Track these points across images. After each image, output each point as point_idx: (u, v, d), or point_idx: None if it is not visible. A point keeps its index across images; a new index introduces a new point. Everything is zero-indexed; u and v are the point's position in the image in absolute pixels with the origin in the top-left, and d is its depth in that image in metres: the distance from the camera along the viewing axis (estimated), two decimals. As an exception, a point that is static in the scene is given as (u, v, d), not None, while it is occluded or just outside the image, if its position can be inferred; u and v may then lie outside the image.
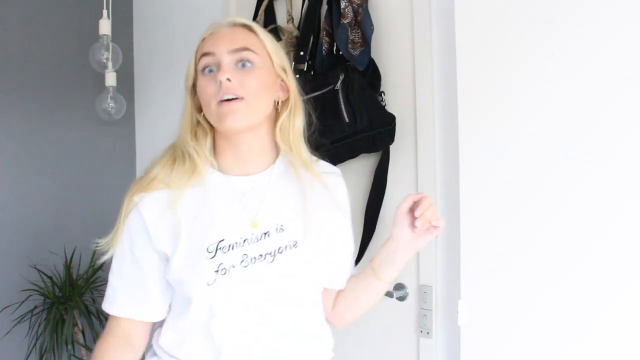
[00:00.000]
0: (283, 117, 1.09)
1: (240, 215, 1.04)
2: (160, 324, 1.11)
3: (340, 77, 1.54)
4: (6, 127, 2.36)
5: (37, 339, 2.25)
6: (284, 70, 1.09)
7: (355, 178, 1.69)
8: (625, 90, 1.12)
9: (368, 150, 1.60)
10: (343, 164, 1.68)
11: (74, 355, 2.27)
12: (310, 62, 1.69)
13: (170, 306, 1.09)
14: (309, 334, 1.12)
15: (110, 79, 2.36)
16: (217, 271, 1.00)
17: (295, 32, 1.77)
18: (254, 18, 1.92)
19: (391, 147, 1.58)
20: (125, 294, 1.07)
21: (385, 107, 1.58)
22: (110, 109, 2.38)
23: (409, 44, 1.55)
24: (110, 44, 2.32)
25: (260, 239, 1.04)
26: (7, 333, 2.27)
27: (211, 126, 1.07)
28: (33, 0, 2.43)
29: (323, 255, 1.09)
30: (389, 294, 1.58)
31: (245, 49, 1.03)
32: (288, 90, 1.10)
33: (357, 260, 1.60)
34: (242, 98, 1.01)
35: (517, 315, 1.28)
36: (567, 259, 1.20)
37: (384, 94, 1.60)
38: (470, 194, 1.37)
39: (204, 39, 1.06)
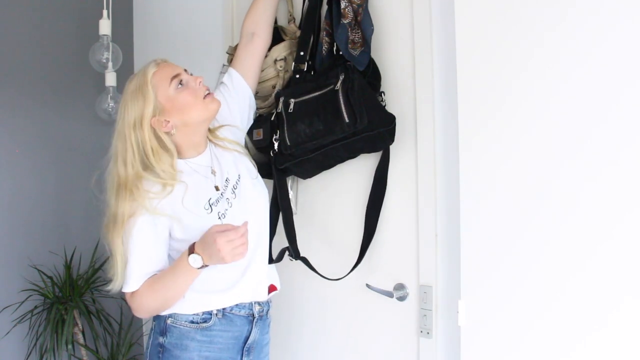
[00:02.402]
0: None
1: (209, 181, 1.52)
2: None
3: (341, 77, 1.54)
4: (6, 127, 2.36)
5: (37, 339, 2.25)
6: None
7: (355, 178, 1.69)
8: (632, 89, 1.12)
9: (368, 150, 1.60)
10: (343, 164, 1.68)
11: (74, 355, 2.27)
12: (310, 62, 1.69)
13: None
14: (267, 236, 1.62)
15: (110, 79, 2.36)
16: (219, 218, 1.47)
17: (298, 33, 1.77)
18: (254, 18, 1.92)
19: (391, 147, 1.58)
20: (148, 266, 1.46)
21: (385, 107, 1.58)
22: (110, 109, 2.38)
23: (409, 44, 1.55)
24: (110, 44, 2.32)
25: (227, 186, 1.54)
26: (7, 333, 2.27)
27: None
28: (33, 0, 2.43)
29: (251, 171, 1.62)
30: (388, 294, 1.58)
31: (185, 69, 1.53)
32: None
33: (358, 261, 1.60)
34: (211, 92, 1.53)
35: (518, 315, 1.28)
36: (568, 259, 1.20)
37: (384, 94, 1.60)
38: (470, 194, 1.37)
39: (154, 73, 1.47)
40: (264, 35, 1.71)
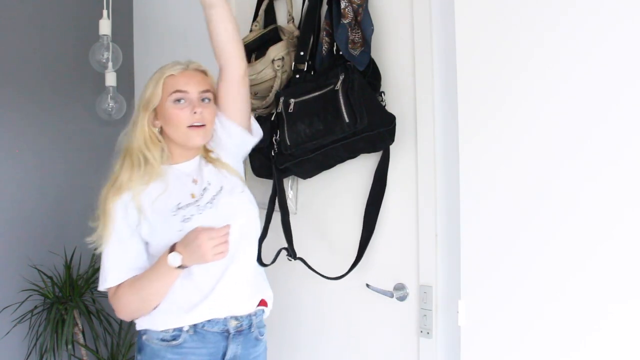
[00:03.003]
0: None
1: (187, 188, 1.51)
2: None
3: (341, 77, 1.54)
4: (6, 127, 2.36)
5: (37, 339, 2.25)
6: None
7: (355, 178, 1.69)
8: (632, 89, 1.12)
9: (368, 150, 1.60)
10: (343, 164, 1.68)
11: (74, 355, 2.27)
12: (310, 62, 1.69)
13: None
14: (248, 256, 1.54)
15: (110, 79, 2.36)
16: (182, 221, 1.44)
17: (296, 32, 1.77)
18: (254, 18, 1.92)
19: (391, 147, 1.58)
20: (124, 262, 1.46)
21: (385, 107, 1.58)
22: (110, 109, 2.38)
23: (409, 44, 1.55)
24: (110, 44, 2.33)
25: (203, 194, 1.50)
26: (7, 333, 2.27)
27: (161, 135, 1.52)
28: (33, 1, 2.43)
29: (246, 191, 1.57)
30: (388, 294, 1.58)
31: (207, 90, 1.51)
32: None
33: (357, 261, 1.60)
34: (205, 125, 1.48)
35: (518, 315, 1.28)
36: (567, 259, 1.19)
37: (384, 94, 1.60)
38: (470, 194, 1.37)
39: (172, 75, 1.49)
40: (230, 64, 1.50)
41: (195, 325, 1.46)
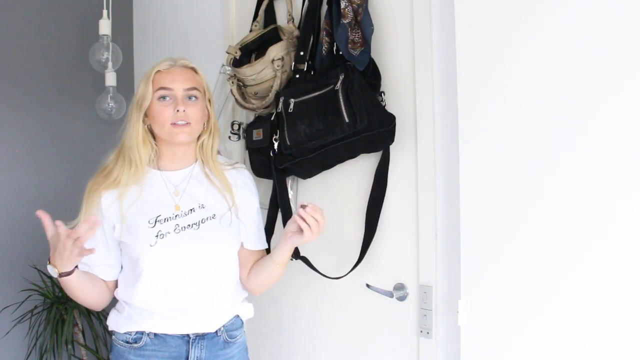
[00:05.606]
0: (204, 137, 1.53)
1: (171, 199, 1.49)
2: (117, 284, 1.52)
3: (340, 77, 1.54)
4: (6, 127, 2.36)
5: (37, 339, 2.25)
6: (209, 101, 1.53)
7: (355, 178, 1.69)
8: (632, 84, 1.11)
9: (368, 150, 1.60)
10: (343, 164, 1.68)
11: (74, 355, 2.27)
12: (310, 62, 1.69)
13: (122, 270, 1.51)
14: (226, 284, 1.52)
15: (110, 79, 2.36)
16: (157, 236, 1.43)
17: (296, 32, 1.77)
18: (254, 18, 1.92)
19: (391, 147, 1.58)
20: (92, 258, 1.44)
21: (385, 107, 1.58)
22: (110, 109, 2.38)
23: (409, 44, 1.55)
24: (110, 44, 2.33)
25: (188, 214, 1.47)
26: (7, 333, 2.27)
27: (153, 135, 1.50)
28: (34, 1, 2.43)
29: (235, 222, 1.52)
30: (388, 294, 1.58)
31: (194, 88, 1.48)
32: (209, 116, 1.53)
33: (359, 260, 1.60)
34: (189, 123, 1.45)
35: (518, 315, 1.28)
36: (567, 259, 1.19)
37: (384, 94, 1.60)
38: (470, 194, 1.37)
39: (159, 72, 1.47)
40: (245, 286, 1.60)
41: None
